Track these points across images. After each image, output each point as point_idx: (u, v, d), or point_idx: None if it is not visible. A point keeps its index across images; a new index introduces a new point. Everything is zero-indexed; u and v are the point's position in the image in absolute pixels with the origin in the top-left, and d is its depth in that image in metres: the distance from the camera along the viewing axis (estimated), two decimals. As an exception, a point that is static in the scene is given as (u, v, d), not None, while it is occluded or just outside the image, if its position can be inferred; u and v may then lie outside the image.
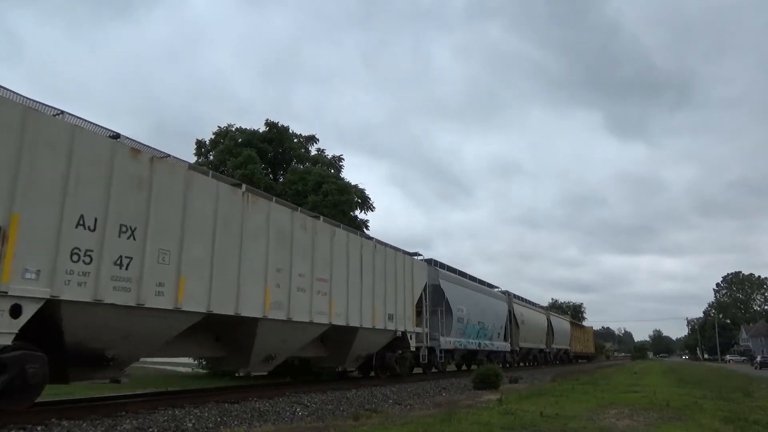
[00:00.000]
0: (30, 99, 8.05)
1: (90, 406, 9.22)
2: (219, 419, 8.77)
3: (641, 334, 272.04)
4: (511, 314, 32.77)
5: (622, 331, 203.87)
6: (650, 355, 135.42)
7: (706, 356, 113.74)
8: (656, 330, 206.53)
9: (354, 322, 14.68)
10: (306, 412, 10.11)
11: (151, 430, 7.69)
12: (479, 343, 26.03)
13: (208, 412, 9.15)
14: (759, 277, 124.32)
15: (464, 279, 26.08)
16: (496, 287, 32.27)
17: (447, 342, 21.95)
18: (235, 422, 8.69)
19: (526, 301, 38.68)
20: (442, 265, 23.70)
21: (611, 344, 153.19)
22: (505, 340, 31.32)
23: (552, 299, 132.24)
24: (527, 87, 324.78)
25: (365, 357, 16.76)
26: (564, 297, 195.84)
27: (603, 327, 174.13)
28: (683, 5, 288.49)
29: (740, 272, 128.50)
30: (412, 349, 18.42)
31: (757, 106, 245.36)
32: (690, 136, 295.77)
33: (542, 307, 43.04)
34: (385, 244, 17.51)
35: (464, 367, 29.35)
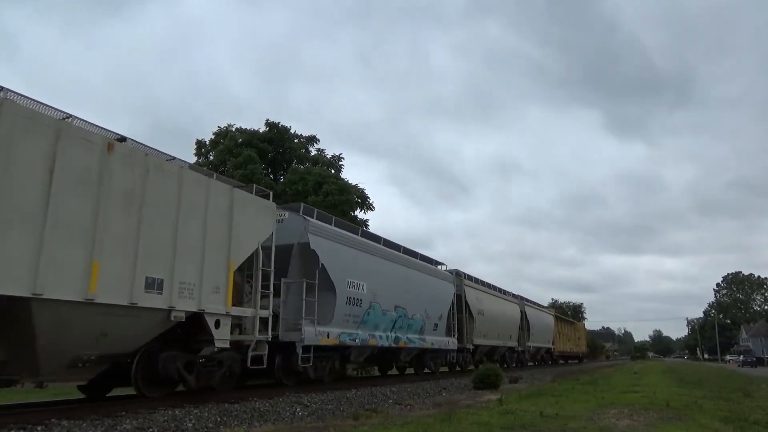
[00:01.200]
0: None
1: (90, 406, 9.23)
2: (219, 419, 8.78)
3: (641, 334, 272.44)
4: (462, 301, 24.84)
5: (622, 331, 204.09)
6: (650, 355, 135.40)
7: (706, 356, 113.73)
8: (656, 330, 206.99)
9: (13, 288, 7.19)
10: (306, 412, 10.12)
11: (151, 430, 7.70)
12: (396, 338, 18.15)
13: (208, 412, 9.16)
14: (759, 277, 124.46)
15: (368, 242, 17.60)
16: (441, 264, 23.94)
17: (320, 334, 13.97)
18: (235, 422, 8.70)
19: (489, 285, 30.44)
20: (324, 216, 16.01)
21: (611, 344, 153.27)
22: (450, 334, 23.28)
23: (552, 299, 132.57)
24: (526, 86, 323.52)
25: (98, 359, 8.94)
26: (564, 297, 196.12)
27: (603, 327, 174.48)
28: (683, 3, 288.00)
29: (740, 272, 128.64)
30: (222, 344, 10.80)
31: (757, 106, 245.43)
32: (690, 136, 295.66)
33: (514, 296, 35.94)
34: (150, 148, 9.95)
35: (394, 372, 22.41)
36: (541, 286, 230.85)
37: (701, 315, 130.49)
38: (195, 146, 29.85)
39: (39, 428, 7.19)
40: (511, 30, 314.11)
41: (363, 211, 29.35)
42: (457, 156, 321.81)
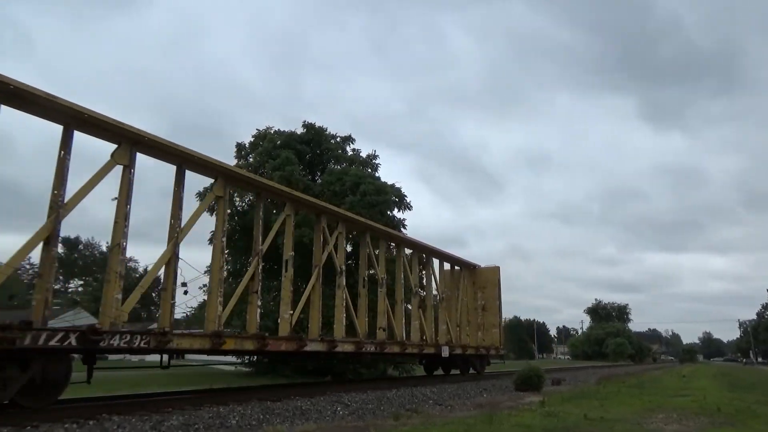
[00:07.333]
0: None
1: (138, 402, 9.54)
2: (262, 417, 8.93)
3: (690, 336, 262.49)
4: None
5: (670, 333, 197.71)
6: (700, 358, 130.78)
7: (759, 360, 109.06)
8: (706, 332, 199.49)
9: None
10: (347, 411, 10.18)
11: (196, 426, 7.89)
12: None
13: (251, 410, 9.32)
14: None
15: None
16: None
17: None
18: (278, 420, 8.83)
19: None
20: None
21: (658, 347, 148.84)
22: None
23: (595, 299, 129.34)
24: (554, 71, 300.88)
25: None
26: (608, 297, 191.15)
27: (649, 329, 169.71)
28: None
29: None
30: None
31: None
32: (733, 124, 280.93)
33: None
34: None
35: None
36: (581, 286, 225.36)
37: (754, 317, 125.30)
38: (235, 149, 30.47)
39: (91, 422, 7.47)
40: (538, 10, 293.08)
41: (401, 210, 29.33)
42: (485, 148, 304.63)
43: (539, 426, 7.90)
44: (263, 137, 29.80)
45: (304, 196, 15.41)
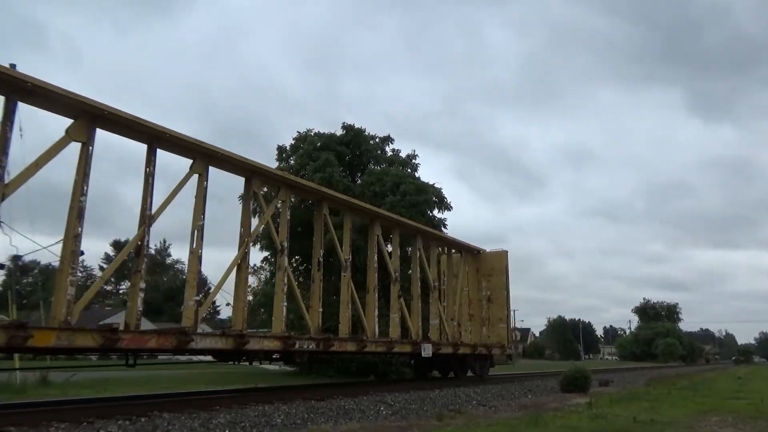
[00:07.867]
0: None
1: (186, 400, 9.81)
2: (306, 416, 9.04)
3: (745, 336, 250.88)
4: None
5: (723, 334, 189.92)
6: (756, 359, 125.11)
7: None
8: (762, 332, 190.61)
9: None
10: (390, 411, 10.20)
11: (243, 424, 8.06)
12: None
13: (295, 409, 9.46)
14: None
15: None
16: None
17: None
18: (322, 419, 8.93)
19: None
20: None
21: (711, 347, 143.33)
22: None
23: (644, 299, 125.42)
24: (595, 64, 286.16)
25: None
26: (656, 296, 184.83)
27: (701, 329, 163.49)
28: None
29: None
30: None
31: None
32: None
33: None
34: None
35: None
36: (628, 285, 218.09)
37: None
38: (276, 152, 30.99)
39: (143, 419, 7.72)
40: (576, 0, 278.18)
41: (441, 211, 29.22)
42: (526, 146, 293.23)
43: (586, 428, 7.73)
44: (303, 139, 30.19)
45: (216, 148, 10.90)
